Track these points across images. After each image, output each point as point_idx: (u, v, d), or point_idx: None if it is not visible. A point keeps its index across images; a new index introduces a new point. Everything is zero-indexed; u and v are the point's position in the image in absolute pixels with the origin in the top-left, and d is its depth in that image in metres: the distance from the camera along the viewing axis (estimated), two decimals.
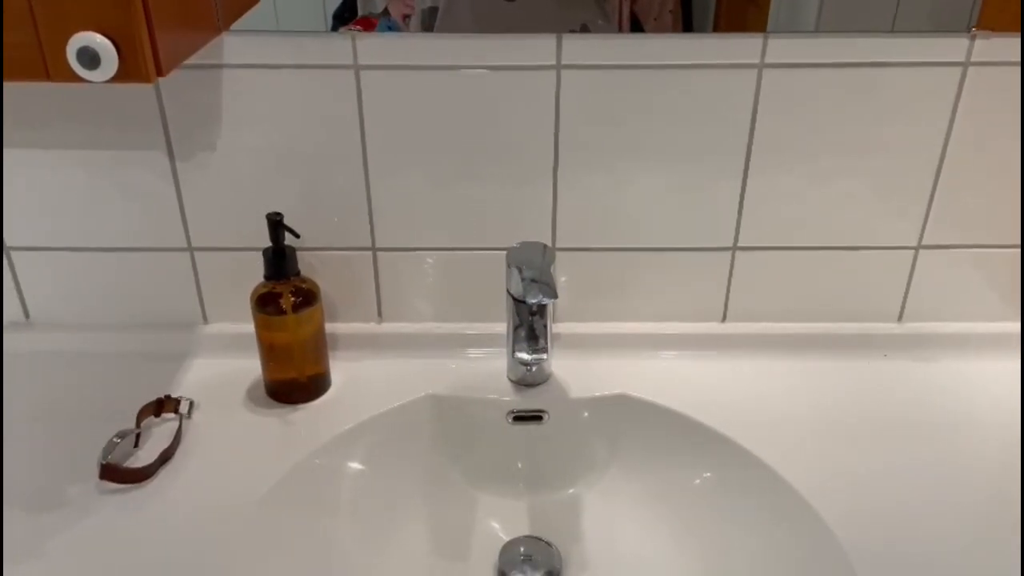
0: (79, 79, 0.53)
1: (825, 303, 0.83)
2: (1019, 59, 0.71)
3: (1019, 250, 0.80)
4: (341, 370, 0.79)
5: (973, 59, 0.71)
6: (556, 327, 0.82)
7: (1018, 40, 0.70)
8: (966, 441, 0.72)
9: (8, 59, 0.53)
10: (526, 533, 0.75)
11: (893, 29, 0.70)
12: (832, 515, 0.65)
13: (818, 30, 0.70)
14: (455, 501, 0.76)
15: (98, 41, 0.51)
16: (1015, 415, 0.75)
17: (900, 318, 0.84)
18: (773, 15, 0.71)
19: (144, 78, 0.54)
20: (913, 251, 0.80)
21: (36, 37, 0.52)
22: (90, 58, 0.52)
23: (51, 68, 0.53)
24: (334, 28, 0.71)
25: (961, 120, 0.74)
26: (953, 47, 0.71)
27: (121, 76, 0.53)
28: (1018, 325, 0.83)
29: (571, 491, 0.77)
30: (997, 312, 0.83)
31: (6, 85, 0.71)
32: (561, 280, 0.81)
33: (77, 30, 0.51)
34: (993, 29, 0.70)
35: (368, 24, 0.72)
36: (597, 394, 0.77)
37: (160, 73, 0.54)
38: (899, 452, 0.71)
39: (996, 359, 0.81)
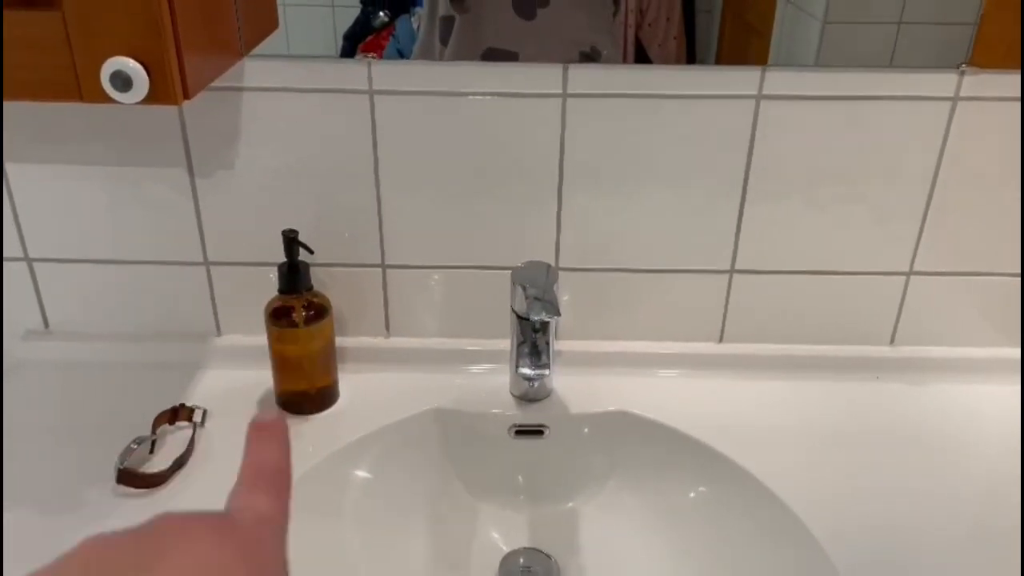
0: (111, 100, 0.55)
1: (819, 326, 0.85)
2: (1006, 95, 0.74)
3: (1015, 278, 0.82)
4: (349, 382, 0.82)
5: (962, 94, 0.74)
6: (558, 344, 0.84)
7: (1005, 77, 0.73)
8: (955, 462, 0.74)
9: (43, 81, 0.56)
10: (526, 545, 0.76)
11: (892, 64, 0.73)
12: (822, 531, 0.66)
13: (818, 63, 0.73)
14: (457, 512, 0.78)
15: (131, 66, 0.54)
16: (1003, 438, 0.77)
17: (892, 341, 0.86)
18: (775, 47, 0.73)
19: (172, 100, 0.56)
20: (905, 277, 0.83)
21: (71, 61, 0.55)
22: (123, 81, 0.54)
23: (84, 90, 0.56)
24: (344, 49, 0.74)
25: (950, 152, 0.76)
26: (943, 82, 0.74)
27: (150, 98, 0.55)
28: (1005, 350, 0.85)
29: (570, 504, 0.79)
30: (985, 337, 0.85)
31: (36, 103, 0.74)
32: (564, 299, 0.83)
33: (111, 55, 0.54)
34: (983, 66, 0.73)
35: (377, 45, 0.75)
36: (597, 410, 0.79)
37: (187, 96, 0.57)
38: (889, 471, 0.73)
39: (983, 382, 0.83)
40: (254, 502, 0.33)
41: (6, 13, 0.54)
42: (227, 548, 0.28)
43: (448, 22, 0.73)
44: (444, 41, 0.73)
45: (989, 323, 0.85)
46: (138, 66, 0.54)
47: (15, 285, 0.83)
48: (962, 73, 0.73)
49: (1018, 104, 0.74)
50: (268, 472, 0.34)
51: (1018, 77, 0.73)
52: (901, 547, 0.66)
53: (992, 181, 0.78)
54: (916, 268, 0.82)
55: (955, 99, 0.74)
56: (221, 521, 0.30)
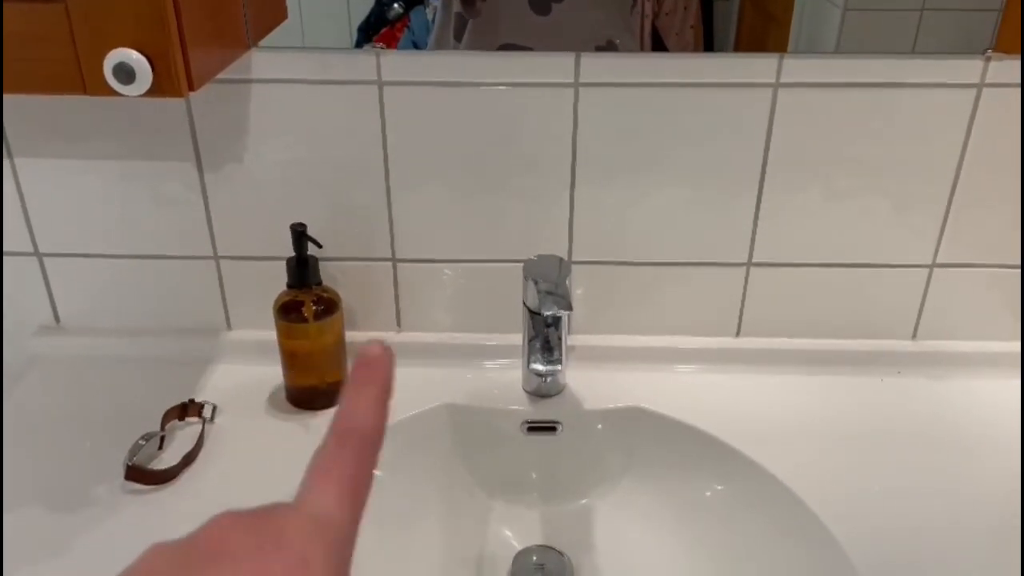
0: (115, 93, 0.55)
1: (839, 319, 0.83)
2: None
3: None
4: None
5: (988, 81, 0.72)
6: (571, 339, 0.83)
7: None
8: (978, 459, 0.72)
9: (48, 74, 0.55)
10: (539, 542, 0.76)
11: (914, 50, 0.71)
12: (842, 530, 0.65)
13: (838, 50, 0.71)
14: (470, 509, 0.78)
15: (134, 58, 0.54)
16: None
17: (914, 336, 0.84)
18: (794, 34, 0.71)
19: (176, 93, 0.56)
20: (927, 269, 0.81)
21: (75, 54, 0.54)
22: (126, 74, 0.54)
23: (88, 83, 0.55)
24: (359, 41, 0.73)
25: (975, 141, 0.74)
26: (968, 69, 0.72)
27: (155, 91, 0.55)
28: None
29: (584, 501, 0.78)
30: (1010, 331, 0.83)
31: (43, 97, 0.73)
32: (577, 293, 0.82)
33: (114, 47, 0.54)
34: (1008, 51, 0.71)
35: (391, 37, 0.74)
36: (611, 406, 0.78)
37: (192, 88, 0.56)
38: (910, 468, 0.71)
39: (1008, 377, 0.81)
40: (321, 500, 0.29)
41: (10, 6, 0.53)
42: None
43: (462, 16, 0.72)
44: (458, 36, 0.72)
45: (1015, 317, 0.82)
46: (141, 58, 0.54)
47: (26, 280, 0.83)
48: (988, 59, 0.71)
49: None
50: (355, 439, 0.30)
51: None
52: (922, 547, 0.64)
53: (1018, 170, 0.76)
54: (939, 260, 0.80)
55: (980, 86, 0.72)
56: (272, 535, 0.27)
